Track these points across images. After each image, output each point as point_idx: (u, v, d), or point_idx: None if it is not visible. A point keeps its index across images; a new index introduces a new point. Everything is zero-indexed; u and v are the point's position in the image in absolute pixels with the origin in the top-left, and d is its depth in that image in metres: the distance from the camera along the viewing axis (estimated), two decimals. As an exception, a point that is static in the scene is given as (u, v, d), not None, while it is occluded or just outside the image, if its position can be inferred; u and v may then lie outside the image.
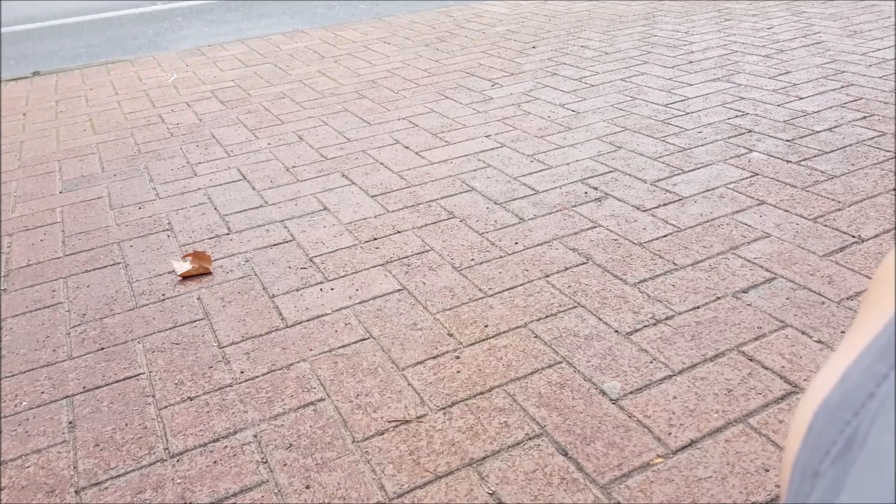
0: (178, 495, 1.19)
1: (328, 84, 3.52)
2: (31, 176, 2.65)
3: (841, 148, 2.32)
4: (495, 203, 2.13)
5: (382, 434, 1.28)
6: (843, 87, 2.87)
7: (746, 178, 2.17)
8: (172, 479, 1.22)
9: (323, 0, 6.33)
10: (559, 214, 2.03)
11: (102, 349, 1.60)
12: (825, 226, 1.86)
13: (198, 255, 1.89)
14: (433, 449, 1.24)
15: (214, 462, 1.25)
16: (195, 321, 1.67)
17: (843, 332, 1.46)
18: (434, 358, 1.47)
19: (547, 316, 1.58)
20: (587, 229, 1.94)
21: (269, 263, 1.90)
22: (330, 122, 2.97)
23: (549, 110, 2.88)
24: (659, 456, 1.18)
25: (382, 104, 3.14)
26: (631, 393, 1.33)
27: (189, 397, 1.42)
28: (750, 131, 2.51)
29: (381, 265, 1.84)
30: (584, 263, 1.77)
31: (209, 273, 1.87)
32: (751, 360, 1.39)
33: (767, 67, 3.18)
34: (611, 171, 2.28)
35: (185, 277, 1.86)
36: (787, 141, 2.41)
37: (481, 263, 1.81)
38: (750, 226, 1.89)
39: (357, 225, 2.07)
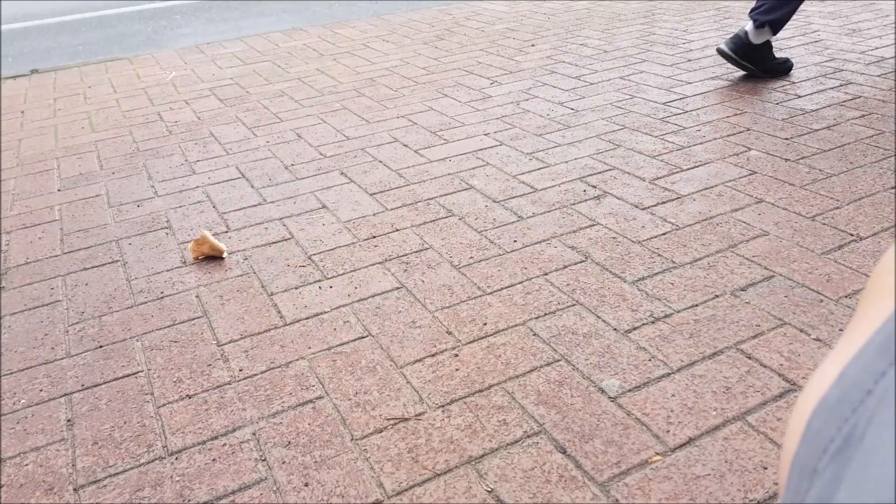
0: (176, 493, 1.19)
1: (327, 82, 3.51)
2: (29, 174, 2.64)
3: (839, 146, 2.32)
4: (494, 201, 2.13)
5: (381, 432, 1.28)
6: (841, 85, 2.87)
7: (745, 176, 2.17)
8: (171, 477, 1.22)
9: (321, -2, 6.32)
10: (558, 212, 2.03)
11: (101, 347, 1.60)
12: (823, 224, 1.86)
13: (205, 244, 1.91)
14: (432, 447, 1.24)
15: (213, 460, 1.25)
16: (194, 319, 1.67)
17: (841, 329, 1.46)
18: (433, 356, 1.47)
19: (545, 314, 1.58)
20: (586, 227, 1.94)
21: (268, 261, 1.89)
22: (329, 120, 2.97)
23: (548, 108, 2.88)
24: (657, 454, 1.19)
25: (381, 102, 3.14)
26: (629, 391, 1.33)
27: (188, 395, 1.42)
28: (748, 129, 2.51)
29: (379, 263, 1.84)
30: (582, 261, 1.78)
31: (221, 257, 1.91)
32: (749, 357, 1.39)
33: (766, 66, 3.18)
34: (609, 170, 2.28)
35: (198, 259, 1.91)
36: (786, 139, 2.41)
37: (480, 261, 1.81)
38: (748, 224, 1.89)
39: (356, 223, 2.07)
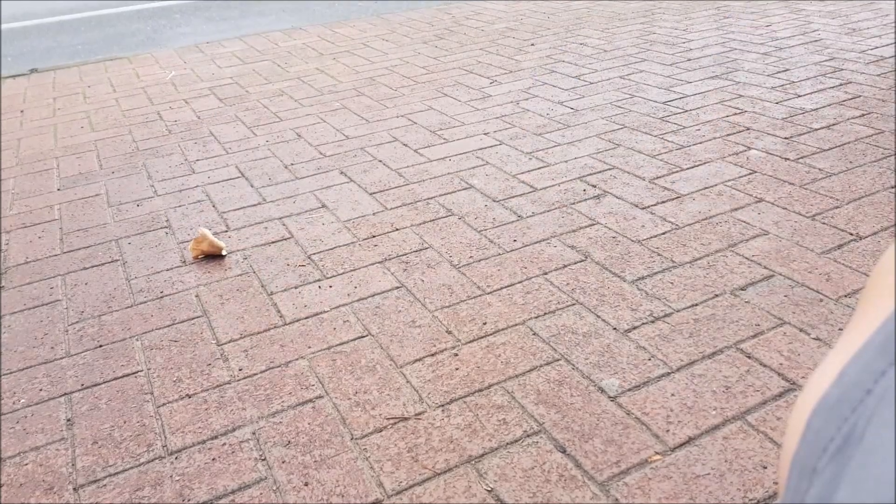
0: (176, 493, 1.19)
1: (327, 81, 3.51)
2: (28, 173, 2.64)
3: (839, 146, 2.32)
4: (494, 200, 2.13)
5: (381, 431, 1.28)
6: (841, 84, 2.87)
7: (745, 175, 2.17)
8: (171, 477, 1.22)
9: (321, -3, 6.32)
10: (557, 212, 2.03)
11: (100, 346, 1.60)
12: (823, 223, 1.86)
13: (204, 241, 1.91)
14: (431, 446, 1.24)
15: (213, 459, 1.25)
16: (193, 318, 1.67)
17: (840, 329, 1.46)
18: (432, 355, 1.47)
19: (545, 313, 1.58)
20: (585, 227, 1.94)
21: (268, 261, 1.89)
22: (328, 119, 2.97)
23: (548, 108, 2.88)
24: (657, 453, 1.19)
25: (381, 101, 3.14)
26: (629, 390, 1.33)
27: (187, 395, 1.42)
28: (748, 129, 2.51)
29: (379, 262, 1.84)
30: (582, 261, 1.78)
31: (221, 254, 1.92)
32: (749, 357, 1.39)
33: (766, 65, 3.18)
34: (609, 169, 2.28)
35: (198, 258, 1.92)
36: (786, 139, 2.41)
37: (480, 261, 1.81)
38: (748, 223, 1.89)
39: (355, 222, 2.07)
